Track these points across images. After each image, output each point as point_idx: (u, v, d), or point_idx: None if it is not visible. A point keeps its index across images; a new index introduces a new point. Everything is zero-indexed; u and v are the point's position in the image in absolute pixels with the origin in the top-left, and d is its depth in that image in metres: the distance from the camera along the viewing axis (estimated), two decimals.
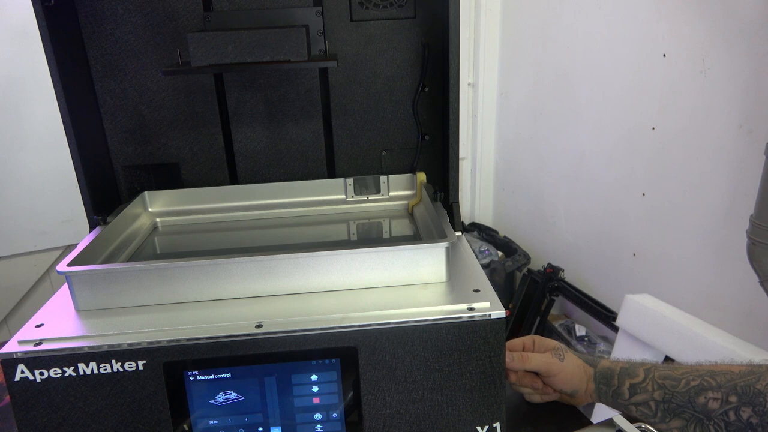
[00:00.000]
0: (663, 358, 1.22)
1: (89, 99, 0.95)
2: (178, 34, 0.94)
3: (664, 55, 1.59)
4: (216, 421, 0.67)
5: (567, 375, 0.80)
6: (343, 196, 1.05)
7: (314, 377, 0.67)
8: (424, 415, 0.68)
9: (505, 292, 2.27)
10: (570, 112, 2.05)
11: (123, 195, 1.02)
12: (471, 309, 0.66)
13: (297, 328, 0.64)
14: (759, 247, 1.22)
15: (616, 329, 1.52)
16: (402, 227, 0.98)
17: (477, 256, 1.59)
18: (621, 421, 0.74)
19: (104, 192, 0.96)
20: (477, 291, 0.70)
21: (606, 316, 1.89)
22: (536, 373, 0.82)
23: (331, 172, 1.06)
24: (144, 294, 0.70)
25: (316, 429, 0.68)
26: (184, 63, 0.87)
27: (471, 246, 0.87)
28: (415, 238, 0.92)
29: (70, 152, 0.86)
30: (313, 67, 0.98)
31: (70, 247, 2.05)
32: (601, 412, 0.89)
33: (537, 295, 2.13)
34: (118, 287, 0.69)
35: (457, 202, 0.97)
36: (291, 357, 0.65)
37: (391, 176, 1.05)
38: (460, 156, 0.98)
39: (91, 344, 0.63)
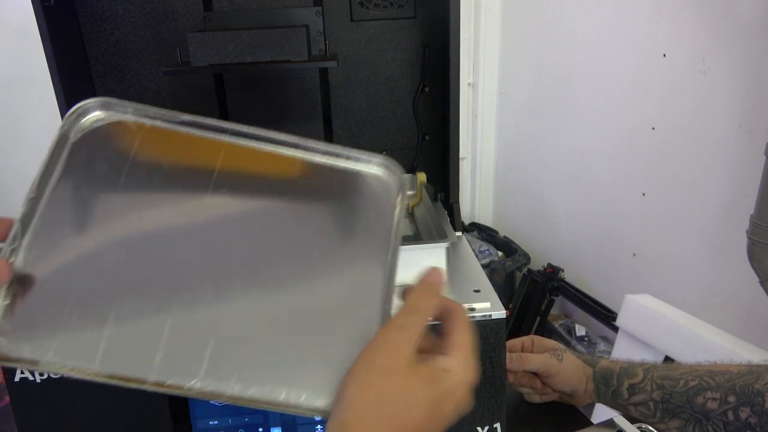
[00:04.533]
0: (663, 358, 1.22)
1: None
2: (178, 34, 0.94)
3: (664, 55, 1.59)
4: (216, 422, 0.67)
5: (566, 375, 0.80)
6: None
7: None
8: None
9: (505, 292, 2.27)
10: (570, 112, 2.05)
11: None
12: (471, 309, 0.66)
13: None
14: (759, 247, 1.22)
15: (616, 329, 1.53)
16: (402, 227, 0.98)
17: (477, 256, 1.59)
18: (621, 421, 0.74)
19: None
20: (477, 291, 0.70)
21: (606, 316, 1.89)
22: (535, 374, 0.82)
23: None
24: None
25: (317, 429, 0.68)
26: (184, 63, 0.87)
27: (471, 246, 0.87)
28: (415, 238, 0.92)
29: None
30: (313, 67, 0.98)
31: None
32: (601, 413, 0.89)
33: (537, 295, 2.13)
34: None
35: (458, 202, 0.97)
36: None
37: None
38: (460, 156, 0.98)
39: None
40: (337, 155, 0.49)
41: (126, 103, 0.47)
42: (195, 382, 0.41)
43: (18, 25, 1.82)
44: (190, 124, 0.47)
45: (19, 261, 0.42)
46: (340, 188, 0.49)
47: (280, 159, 0.49)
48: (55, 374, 0.42)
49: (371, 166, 0.50)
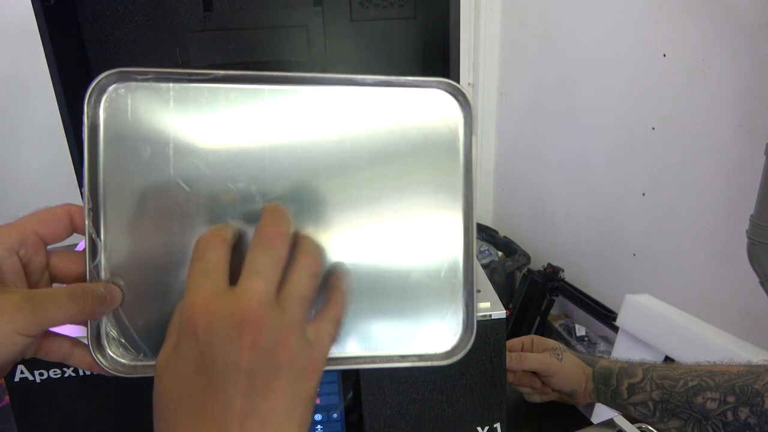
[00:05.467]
0: (663, 358, 1.22)
1: None
2: (178, 34, 0.94)
3: (664, 55, 1.59)
4: None
5: (565, 375, 0.80)
6: None
7: None
8: (424, 415, 0.68)
9: (505, 292, 2.27)
10: (570, 112, 2.05)
11: None
12: None
13: None
14: (759, 247, 1.22)
15: (616, 329, 1.52)
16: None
17: (477, 256, 1.58)
18: (621, 421, 0.74)
19: None
20: (477, 291, 0.70)
21: (606, 316, 1.90)
22: (535, 373, 0.82)
23: None
24: None
25: (317, 429, 0.68)
26: (184, 63, 0.87)
27: None
28: None
29: (70, 152, 0.87)
30: (313, 67, 0.98)
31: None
32: (601, 413, 0.89)
33: (537, 295, 2.13)
34: None
35: None
36: None
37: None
38: None
39: None
40: (390, 83, 0.45)
41: (143, 69, 0.42)
42: None
43: (18, 25, 1.83)
44: (222, 79, 0.42)
45: (106, 275, 0.41)
46: (399, 120, 0.45)
47: (329, 97, 0.44)
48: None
49: (431, 90, 0.45)
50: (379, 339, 0.43)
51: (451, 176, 0.45)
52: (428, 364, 0.44)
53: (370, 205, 0.44)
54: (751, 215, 1.24)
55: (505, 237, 2.46)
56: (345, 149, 0.44)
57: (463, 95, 0.44)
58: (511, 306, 2.20)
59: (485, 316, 0.66)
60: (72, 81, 0.87)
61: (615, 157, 1.86)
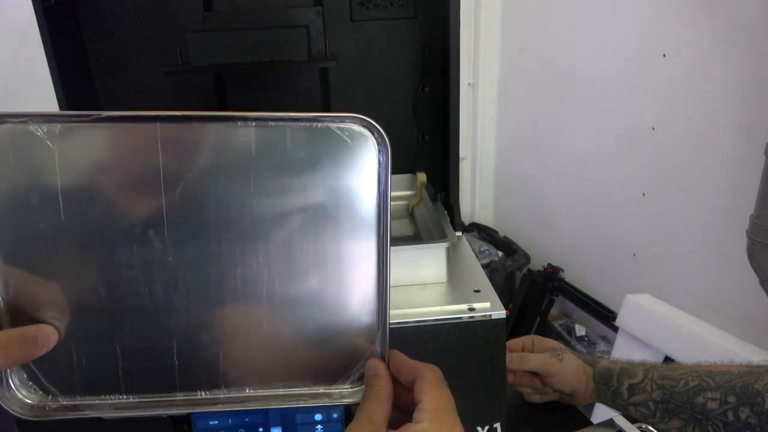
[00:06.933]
0: (663, 358, 1.22)
1: (89, 99, 0.95)
2: (178, 34, 0.94)
3: (664, 55, 1.59)
4: (216, 422, 0.67)
5: (566, 375, 0.80)
6: None
7: None
8: None
9: (505, 292, 2.27)
10: (570, 112, 2.05)
11: None
12: (471, 309, 0.66)
13: None
14: (759, 247, 1.22)
15: (616, 329, 1.53)
16: (402, 227, 0.98)
17: (477, 256, 1.59)
18: (621, 421, 0.74)
19: None
20: (477, 291, 0.70)
21: (606, 316, 1.90)
22: (535, 373, 0.82)
23: None
24: None
25: (317, 429, 0.68)
26: (184, 63, 0.87)
27: (471, 246, 0.87)
28: (416, 238, 0.92)
29: None
30: (313, 67, 0.98)
31: None
32: (601, 413, 0.89)
33: (537, 295, 2.13)
34: None
35: (458, 202, 0.97)
36: None
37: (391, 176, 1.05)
38: (460, 156, 0.98)
39: None
40: (299, 120, 0.42)
41: (18, 112, 0.39)
42: (219, 395, 0.43)
43: (18, 26, 1.83)
44: (106, 120, 0.39)
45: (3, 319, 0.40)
46: (313, 157, 0.42)
47: (231, 135, 0.41)
48: (90, 416, 0.41)
49: (346, 125, 0.42)
50: (287, 378, 0.44)
51: (367, 215, 0.43)
52: (337, 402, 0.44)
53: (280, 243, 0.42)
54: (751, 215, 1.24)
55: (505, 237, 2.46)
56: (252, 187, 0.41)
57: (379, 131, 0.42)
58: (511, 306, 2.20)
59: (485, 316, 0.66)
60: (72, 81, 0.87)
61: (615, 157, 1.85)
